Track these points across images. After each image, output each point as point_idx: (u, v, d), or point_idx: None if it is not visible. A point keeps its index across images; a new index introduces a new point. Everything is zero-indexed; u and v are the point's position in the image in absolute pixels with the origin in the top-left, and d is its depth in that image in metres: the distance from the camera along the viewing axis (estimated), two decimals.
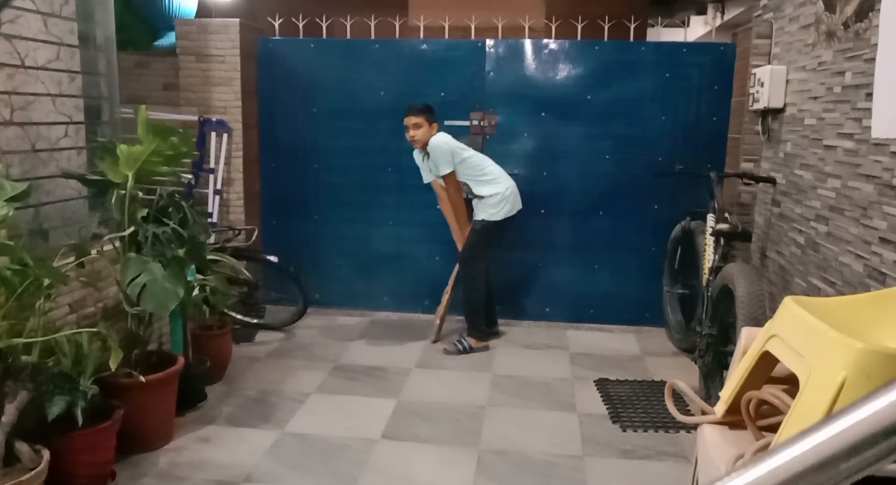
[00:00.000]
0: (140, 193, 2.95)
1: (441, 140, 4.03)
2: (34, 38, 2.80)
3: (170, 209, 3.03)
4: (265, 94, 4.82)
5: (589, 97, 4.59)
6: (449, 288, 4.39)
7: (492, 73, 4.65)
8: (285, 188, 4.87)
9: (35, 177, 2.75)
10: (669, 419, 3.22)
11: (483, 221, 4.13)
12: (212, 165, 4.55)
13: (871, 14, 2.66)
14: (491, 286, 4.36)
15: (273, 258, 4.42)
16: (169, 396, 3.01)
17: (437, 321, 4.40)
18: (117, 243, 2.95)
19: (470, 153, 4.13)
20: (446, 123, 4.42)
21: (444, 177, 4.09)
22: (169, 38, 4.93)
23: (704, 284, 3.62)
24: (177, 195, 3.14)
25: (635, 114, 4.55)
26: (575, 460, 2.95)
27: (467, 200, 4.25)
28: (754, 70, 3.86)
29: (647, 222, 4.61)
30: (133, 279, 2.71)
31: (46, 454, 2.29)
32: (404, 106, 4.17)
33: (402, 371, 3.90)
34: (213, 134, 4.57)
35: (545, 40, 4.66)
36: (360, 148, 4.72)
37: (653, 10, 6.40)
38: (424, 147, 4.07)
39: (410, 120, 4.04)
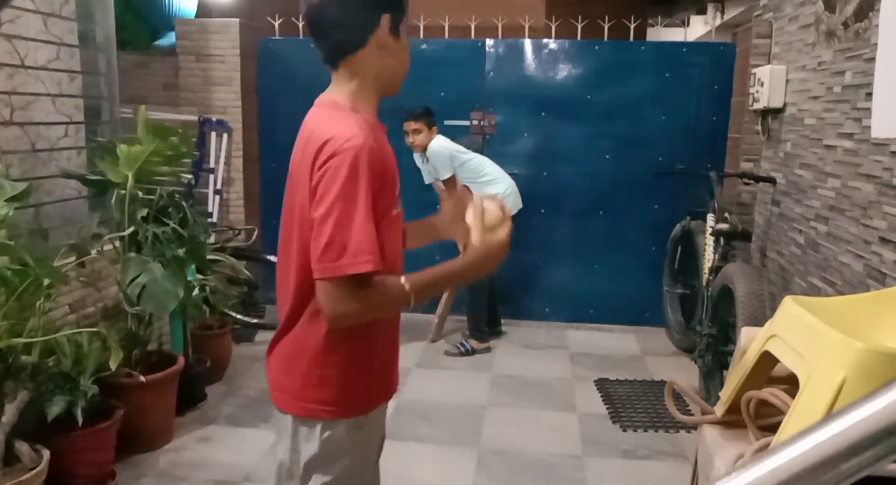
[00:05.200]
0: (140, 193, 2.95)
1: (440, 145, 4.03)
2: (34, 37, 2.79)
3: (170, 209, 3.03)
4: (265, 94, 4.82)
5: (589, 97, 4.59)
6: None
7: (492, 73, 4.65)
8: (285, 188, 4.85)
9: (35, 177, 2.75)
10: (669, 419, 3.22)
11: None
12: (212, 164, 4.55)
13: (871, 14, 2.66)
14: (494, 287, 4.36)
15: (273, 258, 4.41)
16: (169, 396, 3.01)
17: (437, 320, 4.40)
18: (117, 243, 2.95)
19: (469, 156, 4.13)
20: (446, 122, 4.42)
21: (444, 180, 4.09)
22: (169, 38, 4.93)
23: (704, 284, 3.62)
24: (177, 195, 3.14)
25: (635, 114, 4.55)
26: (575, 459, 2.95)
27: None
28: (754, 70, 3.86)
29: (647, 222, 4.61)
30: (133, 279, 2.71)
31: (46, 454, 2.29)
32: (404, 106, 4.17)
33: (402, 371, 3.87)
34: (213, 134, 4.57)
35: (545, 40, 4.66)
36: None
37: (653, 10, 6.40)
38: (425, 151, 4.07)
39: (409, 125, 4.03)
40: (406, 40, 1.37)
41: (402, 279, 1.30)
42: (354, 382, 1.41)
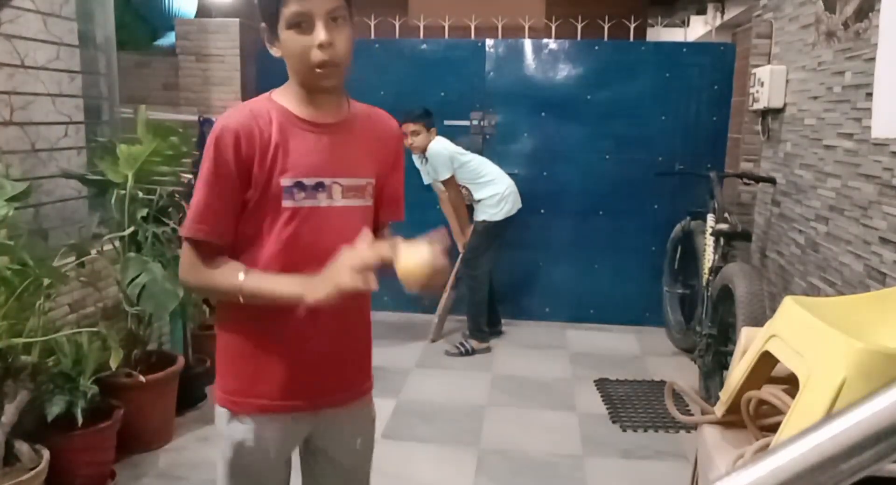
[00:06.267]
0: (140, 193, 2.94)
1: (440, 147, 4.03)
2: (34, 37, 2.79)
3: (170, 209, 3.03)
4: None
5: (589, 97, 4.59)
6: (449, 287, 4.39)
7: (492, 73, 4.65)
8: None
9: (35, 177, 2.75)
10: (669, 419, 3.22)
11: (484, 221, 4.13)
12: None
13: (871, 14, 2.66)
14: (494, 286, 4.36)
15: None
16: (169, 396, 3.01)
17: (437, 320, 4.40)
18: (117, 243, 2.95)
19: (469, 157, 4.13)
20: (446, 122, 4.42)
21: (443, 181, 4.10)
22: (169, 38, 4.93)
23: (704, 284, 3.62)
24: (177, 195, 3.14)
25: (635, 114, 4.55)
26: (575, 459, 2.95)
27: (468, 205, 4.26)
28: (754, 70, 3.86)
29: (647, 222, 4.61)
30: (133, 279, 2.71)
31: (46, 454, 2.29)
32: (404, 106, 4.16)
33: (402, 371, 3.90)
34: None
35: (545, 40, 4.66)
36: None
37: (653, 10, 6.41)
38: (423, 152, 4.07)
39: (408, 127, 4.03)
40: (288, 37, 1.31)
41: (242, 272, 1.33)
42: (233, 375, 1.44)
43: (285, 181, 1.35)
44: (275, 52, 1.37)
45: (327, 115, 1.40)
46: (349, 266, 1.25)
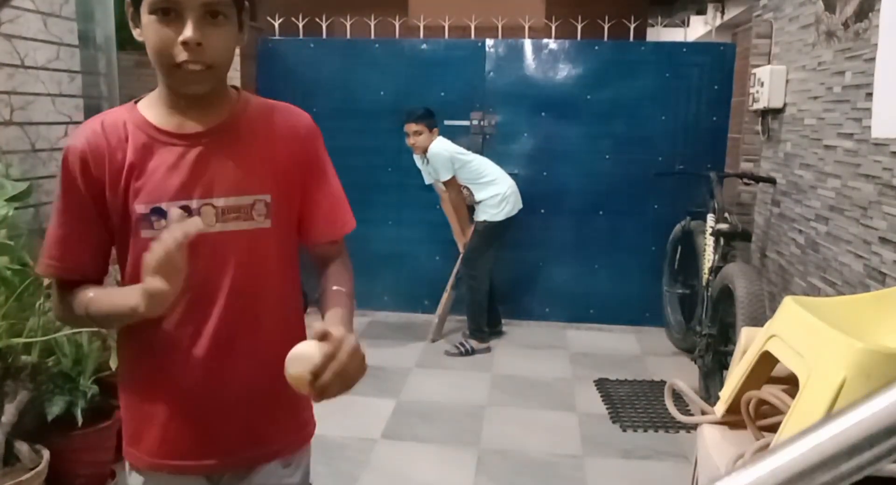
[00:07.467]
0: None
1: (441, 147, 4.03)
2: (34, 37, 2.79)
3: None
4: (265, 94, 4.79)
5: (589, 97, 4.59)
6: (449, 287, 4.40)
7: (492, 73, 4.65)
8: None
9: (35, 177, 2.75)
10: (669, 419, 3.22)
11: (485, 221, 4.13)
12: None
13: (871, 14, 2.66)
14: (494, 286, 4.36)
15: None
16: None
17: (437, 320, 4.40)
18: None
19: (470, 158, 4.13)
20: (446, 122, 4.42)
21: (444, 182, 4.10)
22: None
23: (704, 284, 3.62)
24: None
25: (635, 114, 4.55)
26: (575, 459, 2.95)
27: (469, 206, 4.27)
28: (754, 70, 3.86)
29: (647, 222, 4.61)
30: None
31: (46, 454, 2.29)
32: (404, 106, 4.16)
33: (402, 371, 3.90)
34: None
35: (545, 40, 4.66)
36: (360, 148, 4.72)
37: (653, 10, 6.41)
38: (425, 153, 4.07)
39: (410, 127, 4.03)
40: (149, 23, 1.07)
41: (92, 291, 1.17)
42: (126, 419, 1.26)
43: (140, 208, 1.13)
44: (137, 34, 1.12)
45: (197, 123, 1.16)
46: (151, 263, 1.01)
